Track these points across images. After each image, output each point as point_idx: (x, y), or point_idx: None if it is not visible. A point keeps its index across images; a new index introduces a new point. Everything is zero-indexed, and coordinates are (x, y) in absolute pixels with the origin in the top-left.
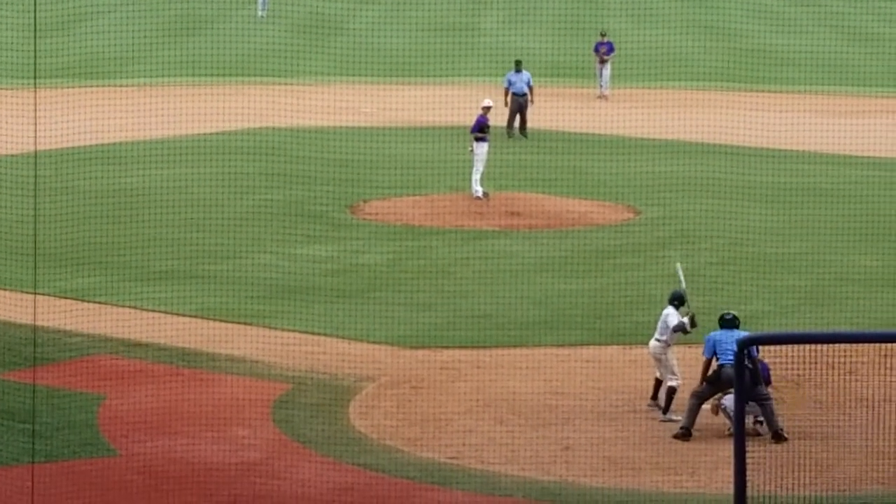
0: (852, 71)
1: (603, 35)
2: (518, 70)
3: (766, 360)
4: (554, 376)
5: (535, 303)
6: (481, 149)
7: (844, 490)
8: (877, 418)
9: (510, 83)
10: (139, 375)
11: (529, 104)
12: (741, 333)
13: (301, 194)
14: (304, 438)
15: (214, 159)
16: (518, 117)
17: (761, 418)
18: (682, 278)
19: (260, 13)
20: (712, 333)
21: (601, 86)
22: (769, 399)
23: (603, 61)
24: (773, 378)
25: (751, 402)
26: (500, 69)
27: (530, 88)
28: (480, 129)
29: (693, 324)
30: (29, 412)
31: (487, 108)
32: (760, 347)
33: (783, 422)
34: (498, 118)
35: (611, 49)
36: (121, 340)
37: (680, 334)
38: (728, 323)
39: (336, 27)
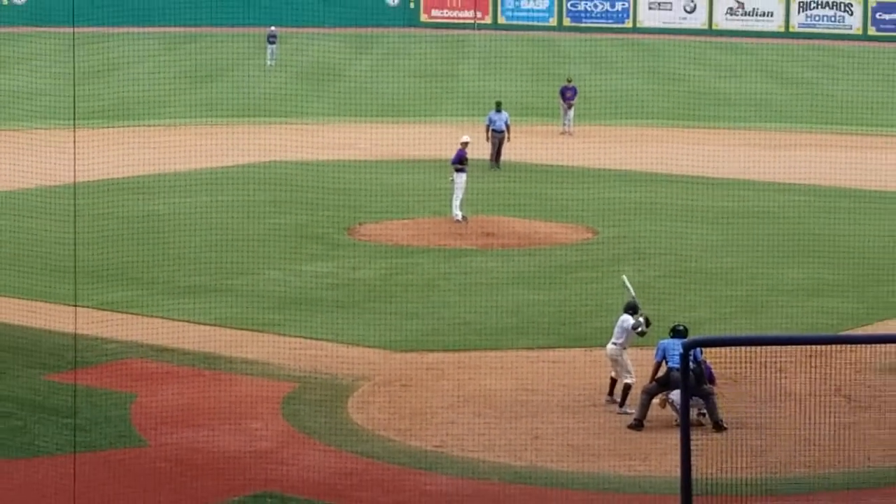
0: (780, 110)
1: (569, 81)
2: (498, 110)
3: (709, 361)
4: (524, 375)
5: (507, 312)
6: (460, 178)
7: (775, 472)
8: (803, 410)
9: (491, 121)
10: (166, 376)
11: (507, 140)
12: None
13: (305, 219)
14: (308, 430)
15: (230, 189)
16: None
17: (704, 411)
18: (629, 286)
19: (269, 63)
20: (663, 341)
21: (565, 124)
22: (711, 394)
23: (569, 105)
24: (714, 376)
25: (695, 397)
26: (476, 110)
27: (508, 127)
28: (460, 161)
29: (648, 323)
30: (70, 409)
31: (465, 144)
32: (704, 349)
33: (723, 414)
34: (478, 152)
35: (575, 93)
36: (150, 346)
37: (635, 338)
38: (679, 333)
39: (335, 75)
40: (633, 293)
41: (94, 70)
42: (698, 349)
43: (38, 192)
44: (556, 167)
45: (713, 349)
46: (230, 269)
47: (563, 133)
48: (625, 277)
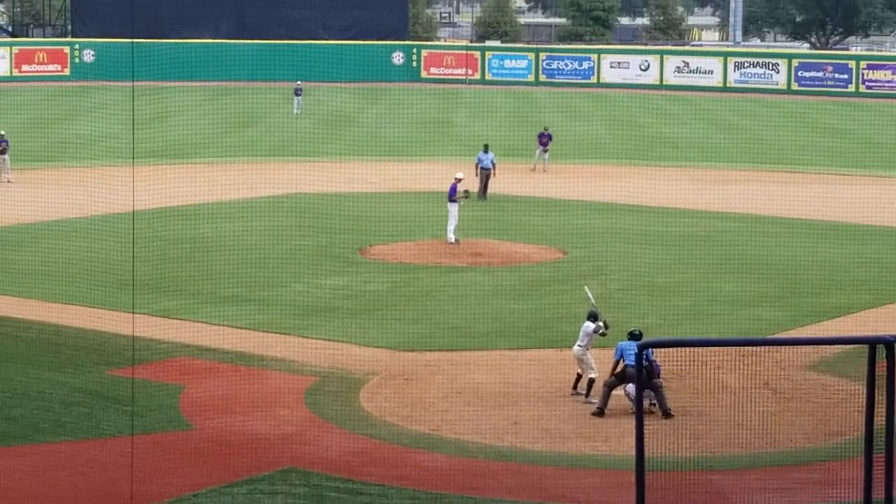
0: (718, 151)
1: (546, 129)
2: (486, 151)
3: (657, 360)
4: (506, 371)
5: (492, 318)
6: (454, 208)
7: (714, 452)
8: (737, 400)
9: (479, 160)
10: (209, 371)
11: (493, 176)
12: None
13: (324, 241)
14: (327, 416)
15: (262, 216)
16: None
17: (655, 401)
18: (590, 296)
19: (296, 111)
20: (621, 342)
21: (536, 163)
22: (661, 387)
23: (545, 148)
24: (663, 372)
25: (647, 390)
26: (467, 151)
27: (494, 165)
28: (455, 194)
29: (607, 326)
30: (129, 398)
31: (459, 180)
32: (655, 350)
33: (671, 403)
34: (468, 186)
35: (550, 138)
36: (196, 346)
37: (597, 339)
38: (634, 337)
39: (350, 121)
40: (594, 302)
41: (150, 117)
42: (650, 350)
43: (105, 219)
44: (534, 199)
45: (663, 349)
46: (262, 283)
47: (532, 170)
48: (587, 289)
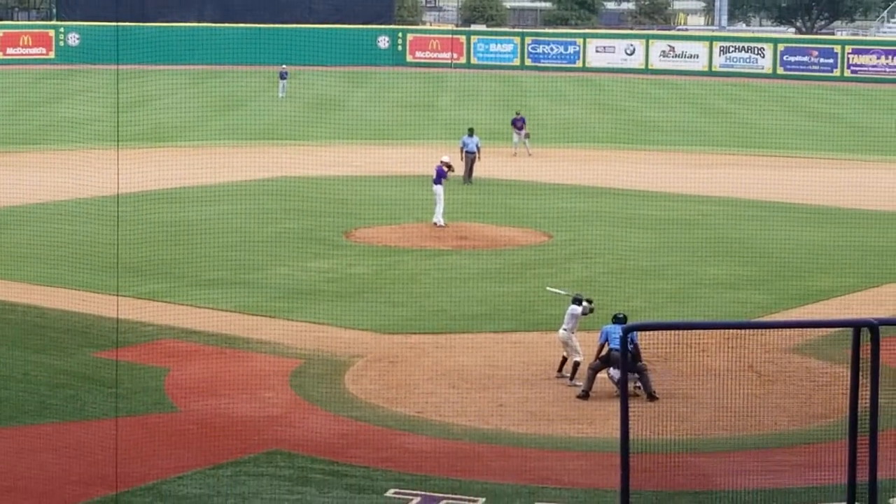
0: (703, 135)
1: (518, 113)
2: (471, 135)
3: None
4: (491, 354)
5: (477, 301)
6: (440, 190)
7: (698, 434)
8: (721, 383)
9: (464, 144)
10: (194, 354)
11: (477, 160)
12: None
13: (309, 224)
14: (312, 399)
15: (247, 199)
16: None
17: (639, 384)
18: (558, 291)
19: (280, 95)
20: (606, 326)
21: (516, 146)
22: (645, 370)
23: (520, 132)
24: (645, 355)
25: (632, 373)
26: (452, 135)
27: (478, 148)
28: (434, 177)
29: (591, 304)
30: (113, 380)
31: (445, 163)
32: (639, 333)
33: (655, 386)
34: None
35: (524, 122)
36: (180, 329)
37: (582, 322)
38: (619, 320)
39: (336, 105)
40: (566, 292)
41: (135, 100)
42: (635, 333)
43: (89, 202)
44: (519, 182)
45: (648, 332)
46: (247, 266)
47: (514, 155)
48: (549, 288)
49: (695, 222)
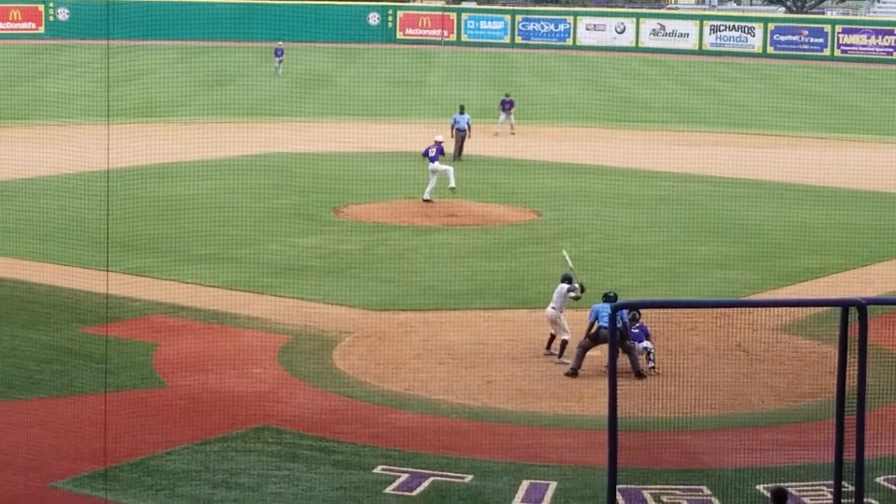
0: (693, 114)
1: (507, 95)
2: (461, 112)
3: (646, 324)
4: (479, 331)
5: (466, 278)
6: (437, 167)
7: (686, 413)
8: (709, 362)
9: (455, 121)
10: (183, 329)
11: (468, 138)
12: None
13: (299, 200)
14: (300, 375)
15: (237, 175)
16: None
17: (652, 363)
18: (568, 259)
19: (278, 72)
20: (596, 304)
21: (501, 125)
22: (633, 349)
23: (507, 113)
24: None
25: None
26: (442, 112)
27: (469, 126)
28: (433, 155)
29: (582, 289)
30: (102, 356)
31: (439, 142)
32: (641, 312)
33: (643, 364)
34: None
35: (512, 105)
36: (169, 304)
37: (569, 302)
38: (609, 298)
39: (325, 81)
40: (571, 265)
41: (125, 75)
42: (624, 311)
43: (78, 177)
44: (508, 160)
45: (641, 311)
46: (236, 242)
47: (496, 134)
48: (565, 252)
49: (684, 201)
